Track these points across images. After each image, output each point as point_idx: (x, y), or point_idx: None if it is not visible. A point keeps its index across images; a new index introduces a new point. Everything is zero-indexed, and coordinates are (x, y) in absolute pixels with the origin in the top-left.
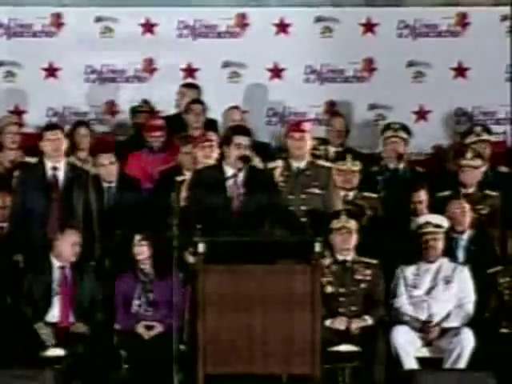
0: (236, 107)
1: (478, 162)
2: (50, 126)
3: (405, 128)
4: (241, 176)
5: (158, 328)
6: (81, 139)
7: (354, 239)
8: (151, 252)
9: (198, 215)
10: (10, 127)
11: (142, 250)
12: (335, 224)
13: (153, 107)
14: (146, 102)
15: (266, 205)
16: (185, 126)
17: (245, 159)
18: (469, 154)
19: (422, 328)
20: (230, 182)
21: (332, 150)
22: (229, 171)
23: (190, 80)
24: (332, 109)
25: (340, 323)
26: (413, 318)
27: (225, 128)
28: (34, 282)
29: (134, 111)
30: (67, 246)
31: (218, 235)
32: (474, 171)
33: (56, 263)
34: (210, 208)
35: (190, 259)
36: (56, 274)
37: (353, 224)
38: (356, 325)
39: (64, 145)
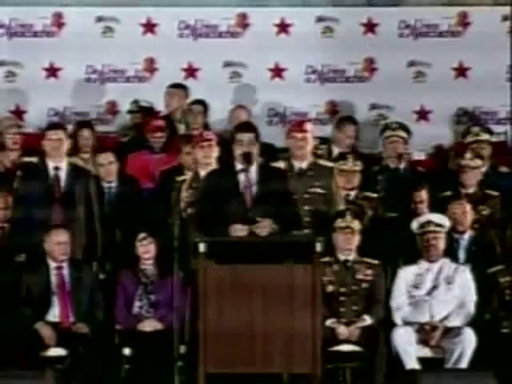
0: (242, 106)
1: (477, 162)
2: (52, 126)
3: (403, 127)
4: (253, 172)
5: (159, 327)
6: (84, 141)
7: (356, 240)
8: (156, 251)
9: (211, 214)
10: (11, 128)
11: (148, 249)
12: (340, 223)
13: (143, 106)
14: (135, 101)
15: (278, 204)
16: (174, 127)
17: (247, 157)
18: (468, 155)
19: (422, 331)
20: (241, 179)
21: (336, 150)
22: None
23: (191, 80)
24: (341, 114)
25: (339, 331)
26: (413, 322)
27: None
28: (32, 282)
29: (129, 112)
30: (54, 246)
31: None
32: (473, 171)
33: (52, 264)
34: (222, 206)
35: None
36: (53, 275)
37: (356, 224)
38: (355, 331)
39: (65, 145)
